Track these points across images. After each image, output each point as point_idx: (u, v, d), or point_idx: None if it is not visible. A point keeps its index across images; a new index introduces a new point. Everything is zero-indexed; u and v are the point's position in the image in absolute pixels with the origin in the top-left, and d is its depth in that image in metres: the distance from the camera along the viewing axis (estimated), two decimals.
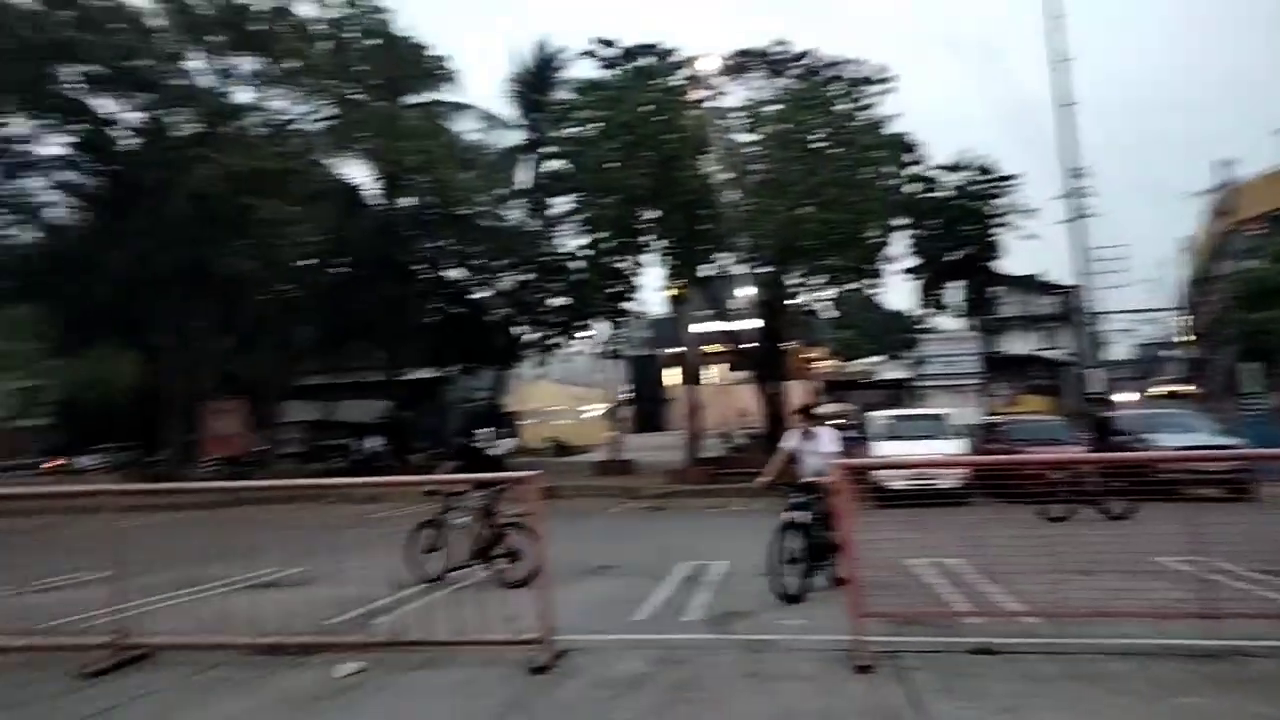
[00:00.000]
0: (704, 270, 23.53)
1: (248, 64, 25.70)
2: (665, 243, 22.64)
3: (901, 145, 24.19)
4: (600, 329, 28.22)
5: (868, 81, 23.92)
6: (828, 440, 8.24)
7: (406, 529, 9.35)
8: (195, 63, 25.62)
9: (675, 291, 25.32)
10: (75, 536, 8.49)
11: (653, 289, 41.90)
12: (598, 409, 40.44)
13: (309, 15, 25.91)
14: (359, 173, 29.25)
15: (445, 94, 29.81)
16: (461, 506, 9.24)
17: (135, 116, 25.56)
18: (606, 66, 25.03)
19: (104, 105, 25.24)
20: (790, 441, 8.52)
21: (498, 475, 8.93)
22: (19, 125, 24.88)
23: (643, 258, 23.73)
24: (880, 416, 18.40)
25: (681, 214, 21.39)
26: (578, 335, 28.76)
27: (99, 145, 25.56)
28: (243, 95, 26.55)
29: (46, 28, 22.58)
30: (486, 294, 30.78)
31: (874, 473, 14.27)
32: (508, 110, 33.17)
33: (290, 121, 26.67)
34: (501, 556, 8.84)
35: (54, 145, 25.86)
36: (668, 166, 20.88)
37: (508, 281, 29.41)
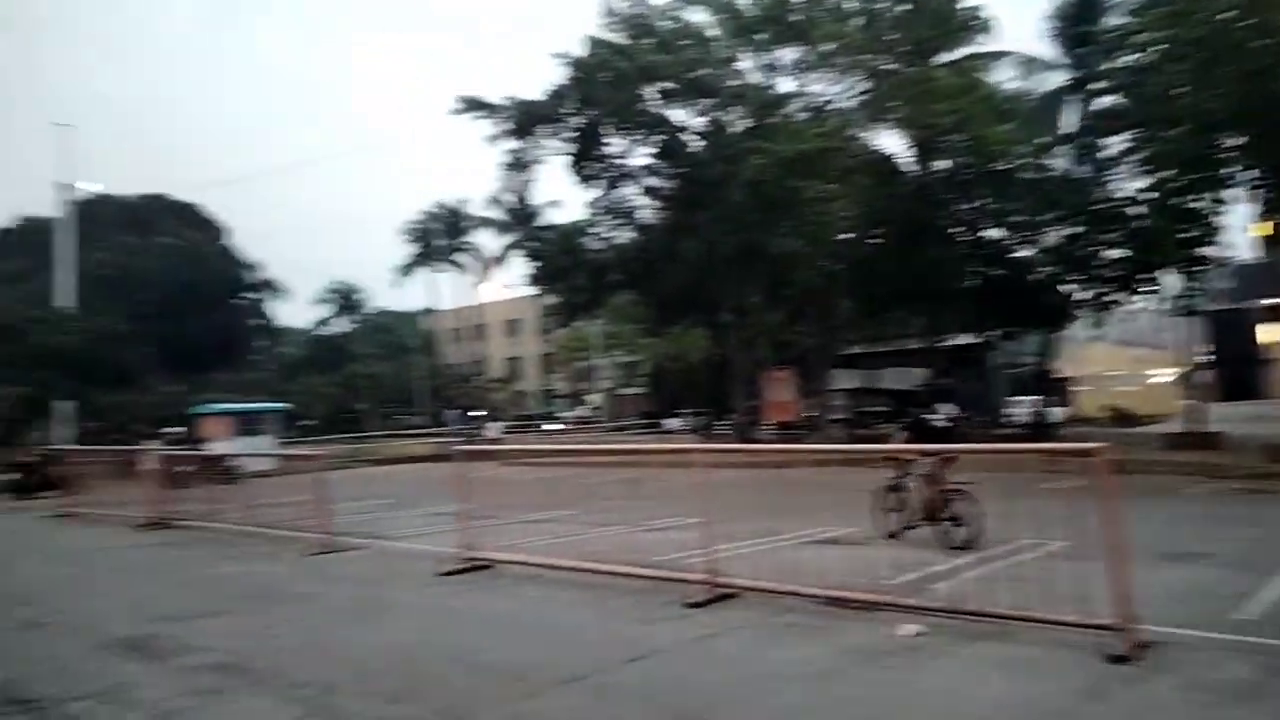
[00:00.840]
0: None
1: (789, 54, 27.57)
2: (1254, 173, 18.94)
3: None
4: (1169, 281, 24.59)
5: None
6: None
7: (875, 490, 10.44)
8: (744, 63, 28.30)
9: (1270, 231, 21.02)
10: (671, 487, 10.18)
11: (1237, 230, 35.15)
12: (1168, 373, 35.59)
13: None
14: (892, 141, 29.50)
15: (980, 46, 28.47)
16: (914, 473, 10.03)
17: (699, 121, 28.99)
18: None
19: (675, 115, 29.01)
20: None
21: (940, 446, 9.79)
22: (617, 144, 29.94)
23: (1224, 194, 20.19)
24: None
25: (1278, 135, 17.65)
26: (1141, 290, 25.43)
27: (673, 151, 29.39)
28: (785, 85, 28.62)
29: (634, 56, 26.91)
30: (1029, 252, 28.80)
31: None
32: (1048, 50, 30.49)
33: (828, 102, 27.96)
34: (947, 520, 9.57)
35: (640, 156, 30.40)
36: (1257, 80, 17.33)
37: (1053, 236, 27.15)
